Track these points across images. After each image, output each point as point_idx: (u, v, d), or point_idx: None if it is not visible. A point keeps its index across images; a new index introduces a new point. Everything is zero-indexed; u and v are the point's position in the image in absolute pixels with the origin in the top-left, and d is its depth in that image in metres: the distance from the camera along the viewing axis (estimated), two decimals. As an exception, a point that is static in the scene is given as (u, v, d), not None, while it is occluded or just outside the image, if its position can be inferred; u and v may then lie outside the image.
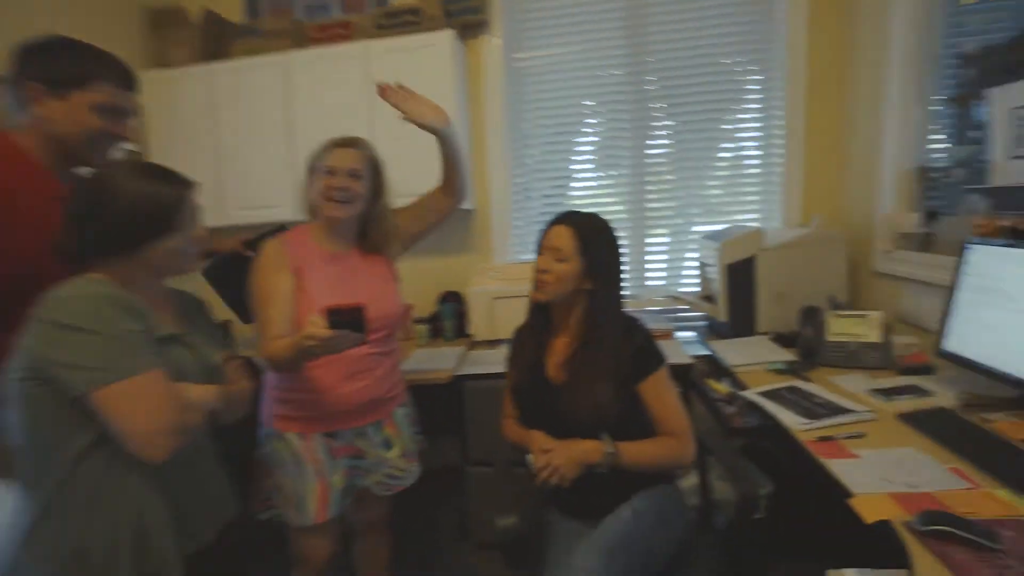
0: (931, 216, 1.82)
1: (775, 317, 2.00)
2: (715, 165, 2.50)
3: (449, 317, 2.40)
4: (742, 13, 2.36)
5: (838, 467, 1.13)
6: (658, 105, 2.47)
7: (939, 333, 1.45)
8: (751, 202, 2.50)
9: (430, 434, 1.64)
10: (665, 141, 2.51)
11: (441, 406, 1.95)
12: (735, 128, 2.47)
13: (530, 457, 1.27)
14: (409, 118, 1.45)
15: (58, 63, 1.14)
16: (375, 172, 1.44)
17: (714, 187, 2.52)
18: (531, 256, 1.34)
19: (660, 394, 1.26)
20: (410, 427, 1.56)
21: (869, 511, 0.98)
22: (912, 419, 1.29)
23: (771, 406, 1.44)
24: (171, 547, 1.00)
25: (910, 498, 0.99)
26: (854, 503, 1.01)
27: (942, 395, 1.39)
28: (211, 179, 2.39)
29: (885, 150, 1.98)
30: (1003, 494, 0.98)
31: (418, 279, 2.44)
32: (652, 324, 1.36)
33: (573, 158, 2.60)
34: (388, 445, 1.47)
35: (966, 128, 1.82)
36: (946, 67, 1.87)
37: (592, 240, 1.26)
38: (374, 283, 1.45)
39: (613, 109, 2.51)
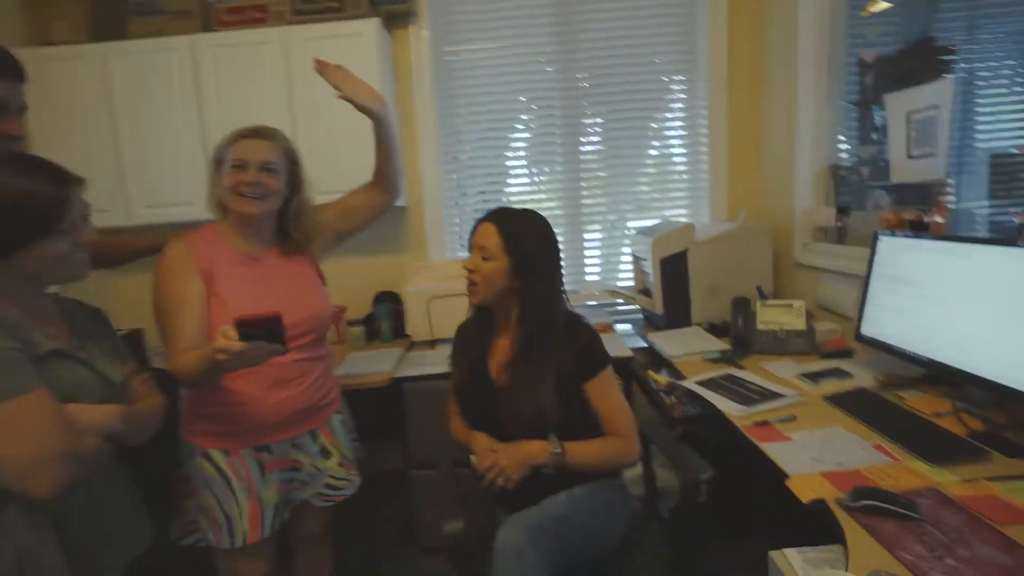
0: (843, 211, 1.96)
1: (708, 308, 2.08)
2: (644, 163, 2.57)
3: (385, 318, 2.31)
4: (667, 16, 2.44)
5: (774, 450, 1.18)
6: (588, 102, 2.50)
7: (856, 319, 1.56)
8: (679, 198, 2.59)
9: (369, 439, 1.57)
10: (596, 139, 2.54)
11: (380, 410, 1.87)
12: (662, 127, 2.55)
13: (473, 459, 1.24)
14: (346, 96, 1.35)
15: None
16: (291, 164, 1.32)
17: (644, 184, 2.59)
18: (468, 254, 1.30)
19: (605, 394, 1.25)
20: (347, 434, 1.47)
21: (805, 491, 1.02)
22: (837, 400, 1.37)
23: (709, 394, 1.49)
24: None
25: (840, 476, 1.05)
26: (790, 484, 1.05)
27: (861, 376, 1.49)
28: (109, 175, 2.16)
29: (800, 149, 2.11)
30: (919, 466, 1.05)
31: (351, 279, 2.34)
32: (591, 318, 1.35)
33: (508, 154, 2.58)
34: (326, 454, 1.39)
35: (869, 130, 1.98)
36: (851, 73, 2.02)
37: (519, 237, 1.22)
38: (296, 285, 1.35)
39: (545, 106, 2.52)
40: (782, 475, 1.09)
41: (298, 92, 2.14)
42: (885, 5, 1.80)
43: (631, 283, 2.49)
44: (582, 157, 2.55)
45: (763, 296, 1.95)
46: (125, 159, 2.17)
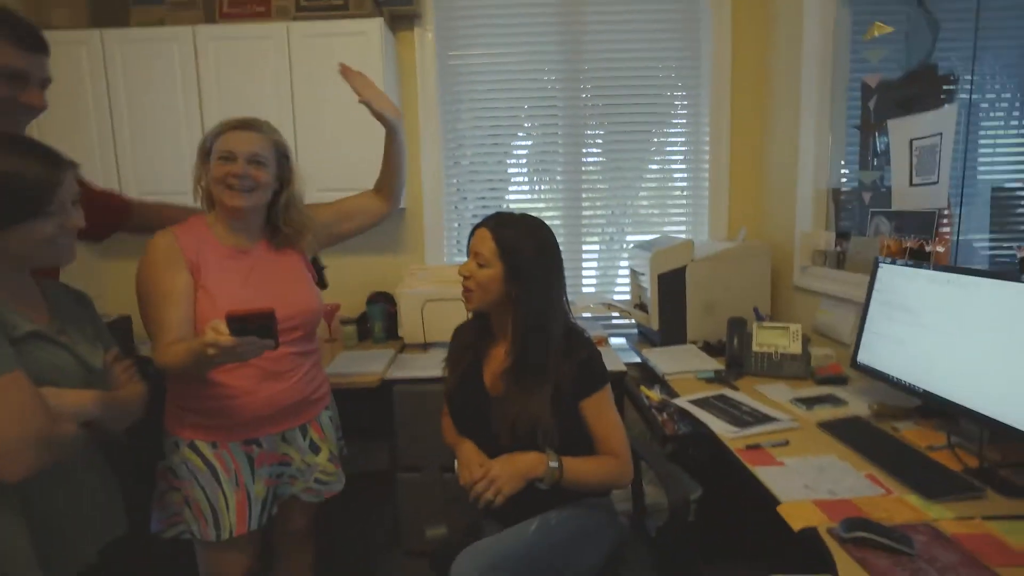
0: (843, 235, 1.96)
1: (704, 326, 2.07)
2: (645, 177, 2.57)
3: (378, 318, 2.28)
4: (672, 31, 2.45)
5: (765, 474, 1.16)
6: (590, 114, 2.50)
7: (853, 346, 1.55)
8: (679, 214, 2.59)
9: (357, 439, 1.56)
10: (598, 150, 2.54)
11: (369, 410, 1.84)
12: (664, 142, 2.55)
13: (457, 469, 1.20)
14: (365, 101, 1.39)
15: None
16: (281, 157, 1.31)
17: (644, 198, 2.59)
18: (466, 258, 1.28)
19: (602, 413, 1.21)
20: (335, 431, 1.46)
21: (796, 518, 1.00)
22: (830, 427, 1.35)
23: (702, 414, 1.47)
24: (32, 571, 0.87)
25: (832, 505, 1.03)
26: (782, 511, 1.04)
27: (856, 404, 1.48)
28: (104, 161, 2.13)
29: (801, 170, 2.11)
30: (913, 499, 1.04)
31: (345, 278, 2.31)
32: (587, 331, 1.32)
33: (509, 161, 2.57)
34: (315, 449, 1.38)
35: (871, 155, 1.98)
36: (853, 98, 2.02)
37: (514, 244, 1.18)
38: (285, 279, 1.33)
39: (548, 115, 2.51)
40: (773, 500, 1.07)
41: (299, 88, 2.13)
42: (886, 29, 1.81)
43: (628, 297, 2.48)
44: (583, 168, 2.54)
45: (760, 317, 1.94)
46: (121, 146, 2.14)
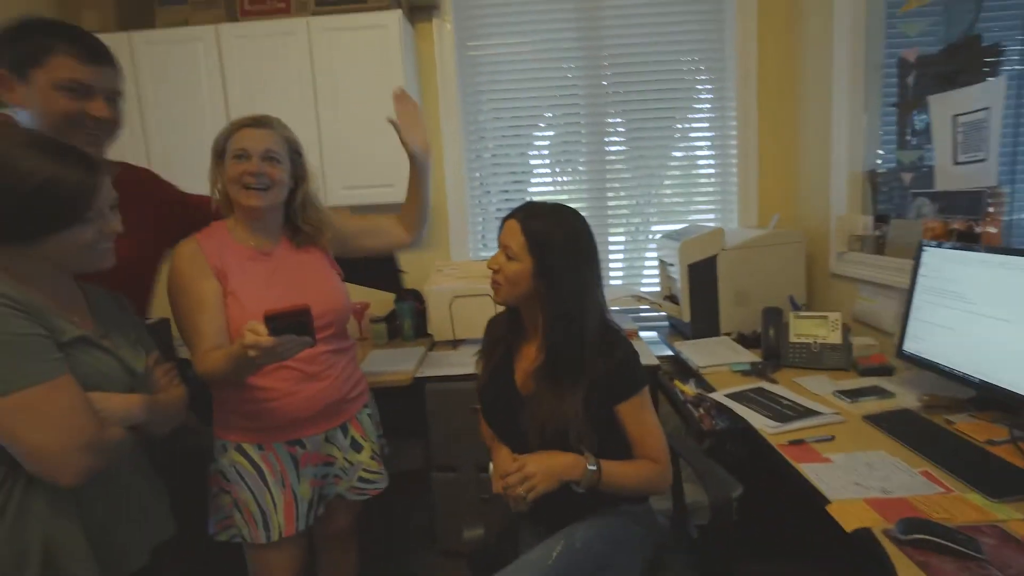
0: (882, 219, 1.88)
1: (737, 317, 2.01)
2: (669, 165, 2.50)
3: (407, 316, 2.28)
4: (694, 13, 2.37)
5: (812, 471, 1.12)
6: (612, 102, 2.44)
7: (898, 334, 1.48)
8: (706, 202, 2.52)
9: (391, 438, 1.55)
10: (620, 139, 2.48)
11: (402, 408, 1.84)
12: (687, 128, 2.47)
13: (491, 474, 1.18)
14: (400, 126, 1.42)
15: (16, 43, 1.07)
16: (294, 154, 1.30)
17: (669, 187, 2.52)
18: (492, 253, 1.24)
19: (640, 417, 1.15)
20: (375, 430, 1.47)
21: (847, 518, 0.96)
22: (878, 421, 1.29)
23: (740, 408, 1.43)
24: (91, 573, 0.89)
25: (885, 504, 0.98)
26: (832, 510, 0.99)
27: (904, 396, 1.41)
28: (135, 162, 2.14)
29: (835, 153, 2.02)
30: (975, 498, 0.98)
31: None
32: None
33: (531, 153, 2.53)
34: (357, 448, 1.38)
35: (910, 133, 1.89)
36: (889, 75, 1.93)
37: (544, 237, 1.12)
38: (310, 277, 1.32)
39: (569, 104, 2.46)
40: (821, 498, 1.03)
41: (321, 83, 2.13)
42: (924, 0, 1.71)
43: (654, 289, 2.43)
44: (607, 158, 2.49)
45: (796, 307, 1.88)
46: (152, 147, 2.17)
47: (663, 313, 2.30)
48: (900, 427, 1.25)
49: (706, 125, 2.47)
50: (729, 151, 2.45)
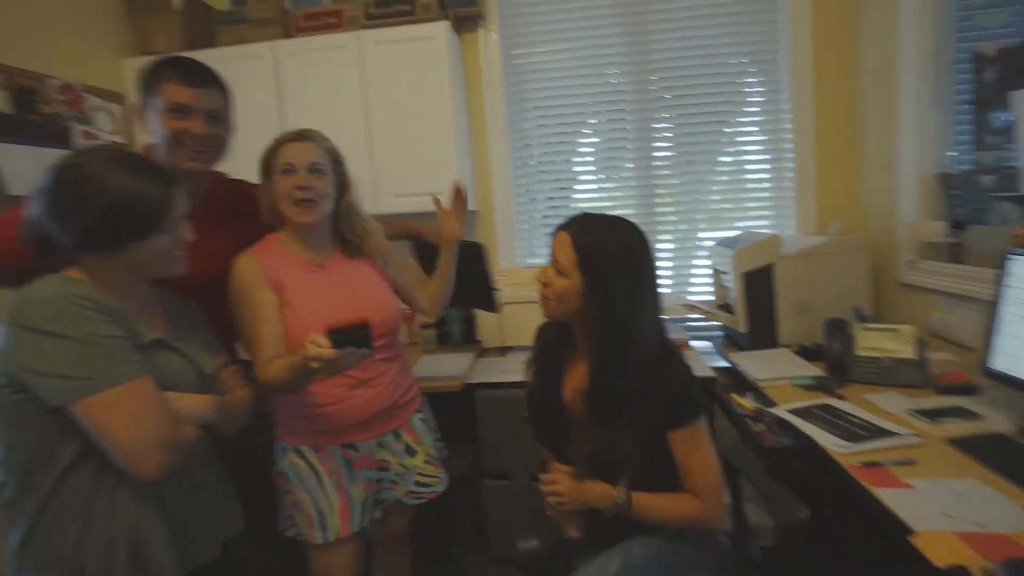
0: (958, 225, 1.75)
1: (797, 329, 1.92)
2: (718, 170, 2.43)
3: (456, 322, 2.29)
4: (745, 14, 2.30)
5: (890, 498, 1.04)
6: (659, 106, 2.38)
7: (982, 350, 1.37)
8: (759, 207, 2.43)
9: (444, 442, 1.56)
10: (667, 144, 2.42)
11: (453, 412, 1.84)
12: (737, 132, 2.39)
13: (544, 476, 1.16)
14: (441, 214, 1.51)
15: (143, 81, 1.21)
16: (336, 164, 1.33)
17: (719, 192, 2.44)
18: (539, 260, 1.21)
19: (693, 449, 1.08)
20: (430, 433, 1.48)
21: (938, 553, 0.88)
22: (964, 445, 1.19)
23: (805, 425, 1.35)
24: (170, 561, 0.94)
25: (981, 539, 0.90)
26: (918, 542, 0.92)
27: (994, 419, 1.30)
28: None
29: (901, 155, 1.91)
30: (1089, 536, 0.89)
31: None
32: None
33: (576, 160, 2.51)
34: (411, 452, 1.40)
35: (988, 133, 1.76)
36: (962, 70, 1.80)
37: (596, 254, 1.05)
38: (364, 288, 1.36)
39: (615, 109, 2.43)
40: (902, 528, 0.96)
41: (372, 95, 2.17)
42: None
43: (703, 297, 2.35)
44: (653, 164, 2.43)
45: (862, 318, 1.77)
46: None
47: (715, 322, 2.22)
48: (992, 453, 1.14)
49: (756, 128, 2.38)
50: (783, 155, 2.35)
